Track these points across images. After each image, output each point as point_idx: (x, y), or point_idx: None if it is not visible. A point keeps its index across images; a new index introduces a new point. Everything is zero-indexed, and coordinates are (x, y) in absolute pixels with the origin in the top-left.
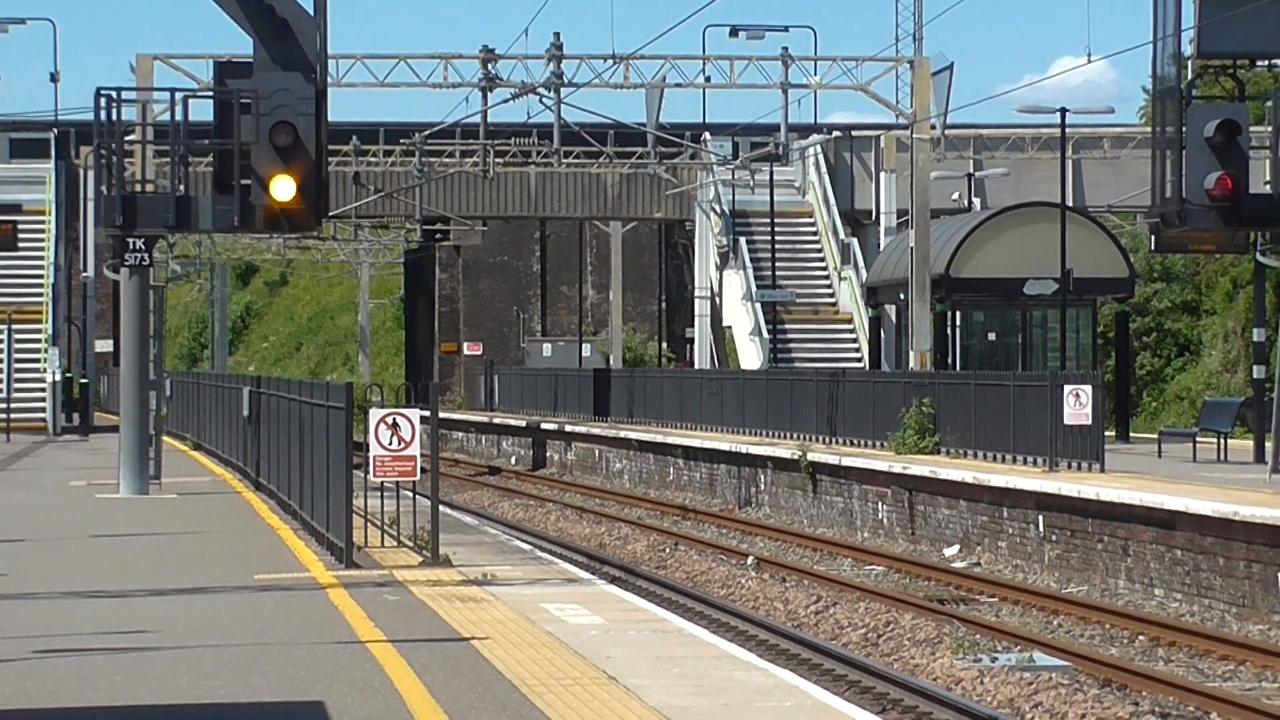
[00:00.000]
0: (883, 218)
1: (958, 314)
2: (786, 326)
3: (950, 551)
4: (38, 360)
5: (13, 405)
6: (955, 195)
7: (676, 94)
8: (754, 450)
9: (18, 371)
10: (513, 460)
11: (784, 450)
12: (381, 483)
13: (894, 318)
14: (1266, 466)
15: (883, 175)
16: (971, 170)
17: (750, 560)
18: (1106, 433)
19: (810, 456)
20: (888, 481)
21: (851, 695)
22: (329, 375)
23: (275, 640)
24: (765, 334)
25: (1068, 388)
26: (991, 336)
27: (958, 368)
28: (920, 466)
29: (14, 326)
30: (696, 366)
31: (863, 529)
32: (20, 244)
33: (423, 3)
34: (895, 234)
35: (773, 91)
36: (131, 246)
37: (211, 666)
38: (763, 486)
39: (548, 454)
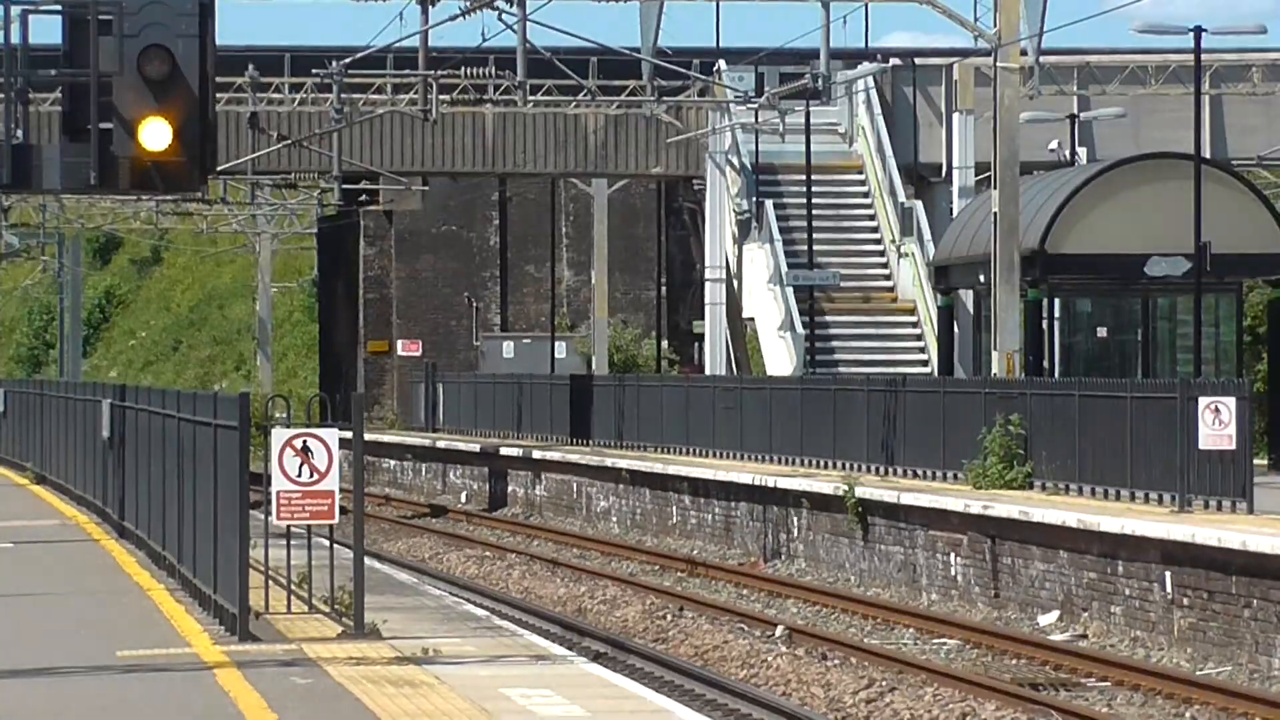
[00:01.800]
0: (956, 174)
1: (1056, 302)
2: (828, 319)
3: (1047, 619)
4: None
5: None
6: (1053, 144)
7: (681, 8)
8: (784, 484)
9: None
10: (463, 497)
11: (824, 484)
12: (288, 527)
13: (971, 307)
14: None
15: (956, 117)
16: (1075, 111)
17: (780, 631)
18: (1256, 461)
19: (859, 492)
20: (963, 526)
21: None
22: (218, 384)
23: None
24: (800, 329)
25: (1204, 400)
26: (1101, 332)
27: (1056, 374)
28: (1006, 506)
29: None
30: (707, 372)
31: (930, 589)
32: None
33: None
34: (973, 196)
35: (809, 5)
36: None
37: None
38: (796, 532)
39: (510, 489)
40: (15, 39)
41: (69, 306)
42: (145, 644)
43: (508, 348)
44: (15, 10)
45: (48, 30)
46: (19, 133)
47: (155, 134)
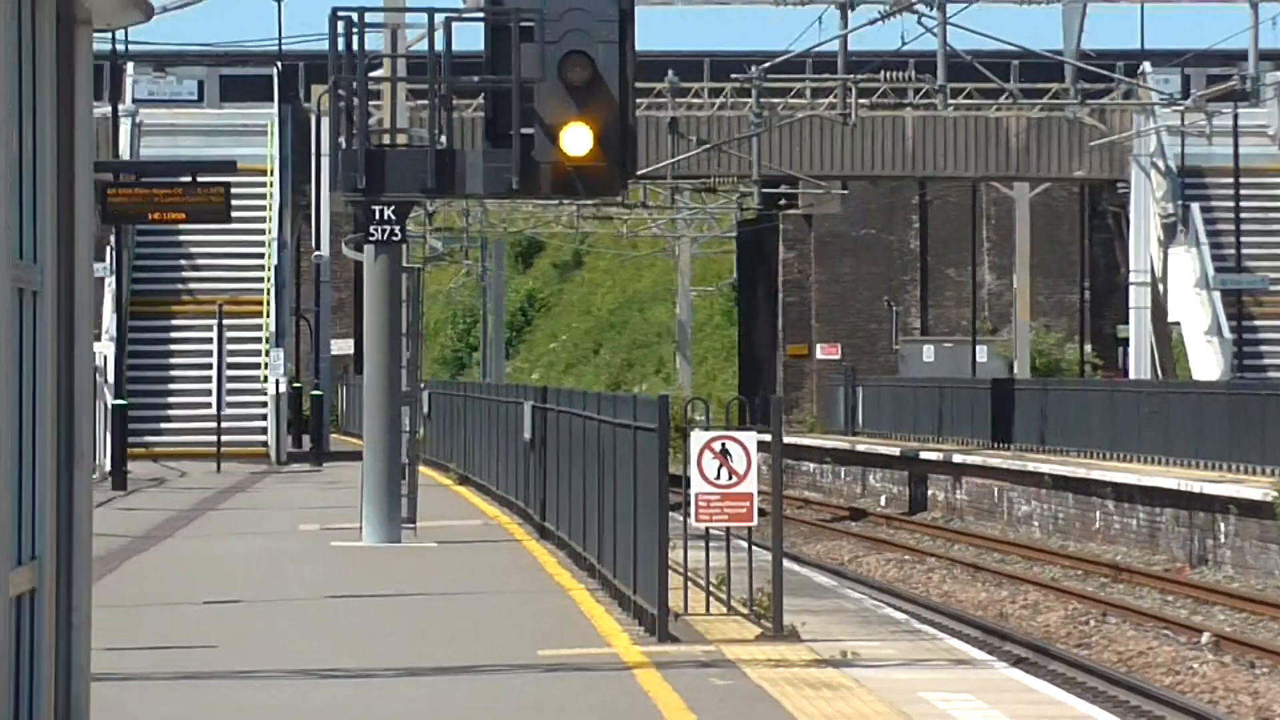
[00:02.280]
0: None
1: None
2: (1256, 323)
3: None
4: (257, 366)
5: (225, 424)
6: None
7: (1104, 10)
8: (1211, 490)
9: (231, 381)
10: (882, 500)
11: (1253, 490)
12: (707, 529)
13: None
14: None
15: None
16: None
17: (1206, 638)
18: None
19: None
20: None
21: None
22: (637, 386)
23: None
24: (1227, 333)
25: None
26: None
27: None
28: None
29: (226, 322)
30: (1131, 376)
31: None
32: (235, 214)
33: None
34: None
35: (1237, 6)
36: (378, 217)
37: None
38: (1223, 538)
39: (929, 492)
40: (439, 46)
41: (492, 309)
42: (566, 643)
43: (928, 351)
44: (439, 18)
45: (471, 37)
46: (442, 138)
47: (576, 139)
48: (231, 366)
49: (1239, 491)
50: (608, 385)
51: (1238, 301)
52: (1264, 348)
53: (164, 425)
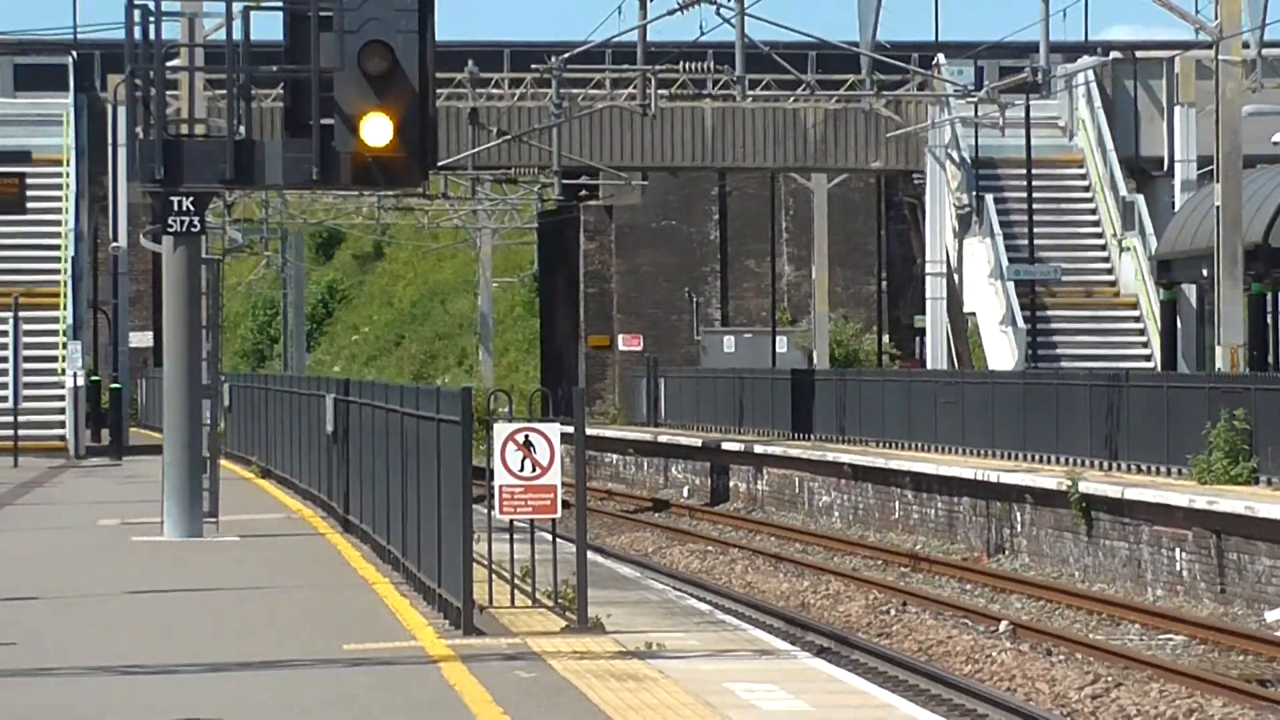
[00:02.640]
0: (1178, 168)
1: None
2: (1050, 313)
3: (1274, 615)
4: (54, 359)
5: (21, 418)
6: (1277, 137)
7: (899, 2)
8: (1007, 479)
9: (27, 374)
10: (685, 492)
11: (1047, 479)
12: (511, 521)
13: (1194, 301)
14: None
15: (1178, 111)
16: None
17: (1004, 626)
18: None
19: (1082, 487)
20: (1187, 521)
21: None
22: (440, 378)
23: None
24: (1021, 323)
25: None
26: None
27: None
28: (1231, 501)
29: (21, 314)
30: (928, 367)
31: (1154, 585)
32: (30, 205)
33: None
34: (1195, 190)
35: None
36: (177, 208)
37: None
38: (1019, 527)
39: (731, 483)
40: (237, 35)
41: (292, 301)
42: (371, 637)
43: (728, 342)
44: (237, 7)
45: (269, 26)
46: (241, 129)
47: (376, 130)
48: (28, 359)
49: (1034, 481)
50: (412, 377)
51: (1031, 292)
52: (1057, 338)
53: None
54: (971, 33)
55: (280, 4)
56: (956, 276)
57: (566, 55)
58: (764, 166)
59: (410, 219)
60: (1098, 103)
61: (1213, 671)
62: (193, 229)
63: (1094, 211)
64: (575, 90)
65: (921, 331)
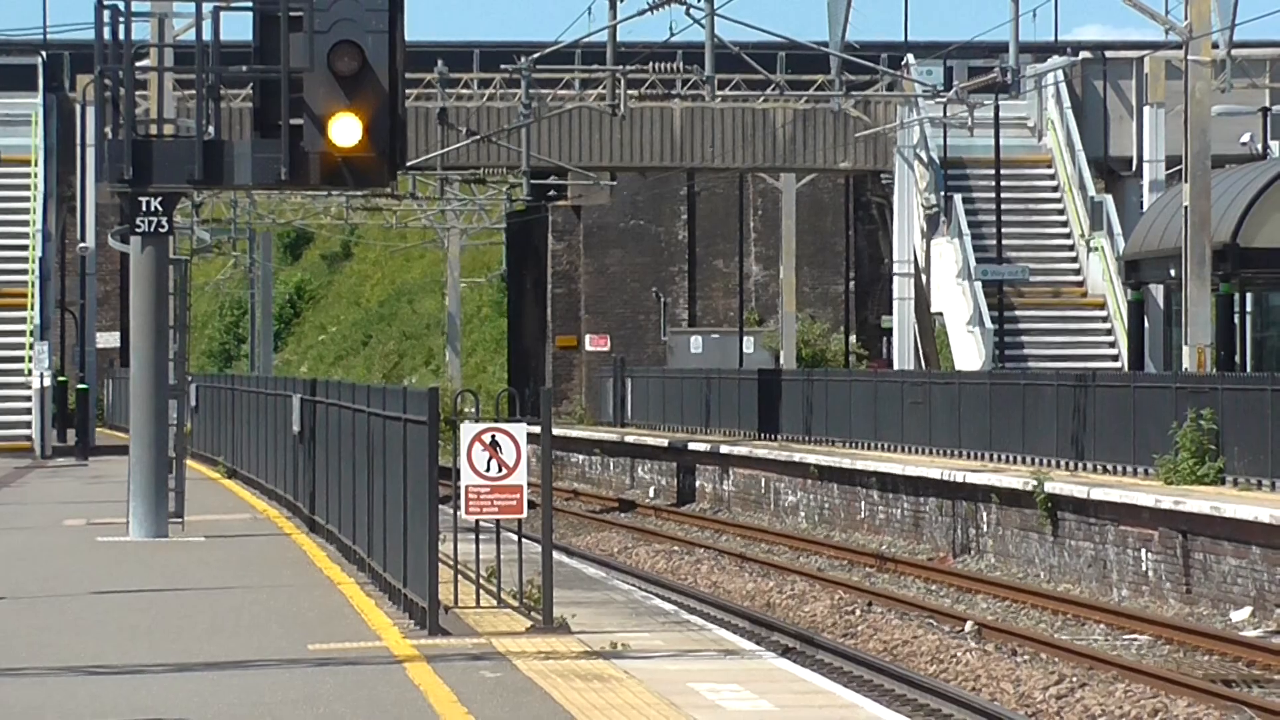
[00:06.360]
0: (1147, 168)
1: (1248, 297)
2: (1017, 313)
3: (1240, 615)
4: (21, 359)
5: None
6: (1245, 138)
7: (869, 2)
8: (973, 479)
9: None
10: (651, 492)
11: (1013, 479)
12: (477, 521)
13: (1161, 302)
14: None
15: (1147, 111)
16: (1268, 104)
17: (969, 626)
18: None
19: (1048, 487)
20: (1153, 521)
21: None
22: (407, 378)
23: None
24: (988, 323)
25: None
26: None
27: (1249, 368)
28: (1198, 501)
29: None
30: (896, 367)
31: (1120, 585)
32: None
33: None
34: (1164, 190)
35: None
36: (145, 208)
37: None
38: (985, 527)
39: (698, 484)
40: (206, 35)
41: (260, 302)
42: (336, 637)
43: (696, 342)
44: (207, 7)
45: (239, 27)
46: (210, 129)
47: (345, 130)
48: None
49: (1000, 480)
50: (380, 377)
51: (999, 292)
52: (1024, 338)
53: None
54: (941, 33)
55: (250, 4)
56: (924, 276)
57: (536, 55)
58: (733, 167)
59: (378, 219)
60: (1067, 103)
61: (1178, 671)
62: (161, 229)
63: (1062, 212)
64: (545, 90)
65: (889, 331)
